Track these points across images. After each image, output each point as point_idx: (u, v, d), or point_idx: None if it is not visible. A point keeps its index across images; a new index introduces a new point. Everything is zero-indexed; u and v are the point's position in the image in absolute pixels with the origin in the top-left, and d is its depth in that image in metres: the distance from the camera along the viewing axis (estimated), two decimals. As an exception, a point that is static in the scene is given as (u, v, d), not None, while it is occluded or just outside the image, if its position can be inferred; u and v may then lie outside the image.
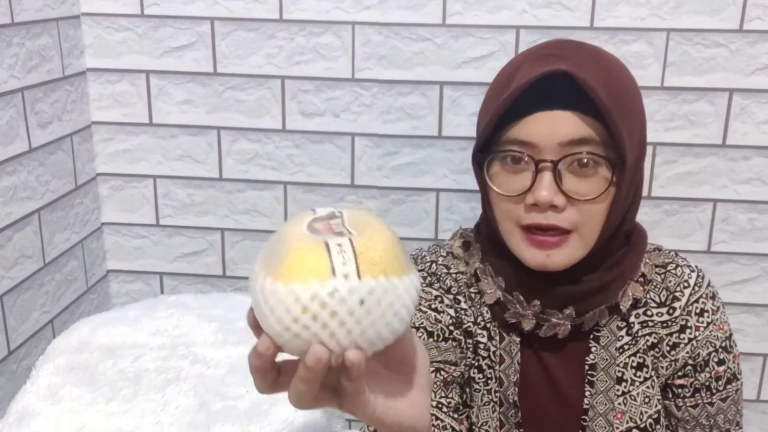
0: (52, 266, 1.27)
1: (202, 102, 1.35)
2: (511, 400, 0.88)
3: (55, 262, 1.28)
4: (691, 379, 0.89)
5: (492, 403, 0.89)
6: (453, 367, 0.88)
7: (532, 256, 0.82)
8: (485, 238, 0.90)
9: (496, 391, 0.89)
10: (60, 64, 1.26)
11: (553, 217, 0.79)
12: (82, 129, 1.35)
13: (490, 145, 0.83)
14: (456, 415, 0.87)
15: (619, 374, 0.88)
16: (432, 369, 0.86)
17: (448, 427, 0.85)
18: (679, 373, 0.89)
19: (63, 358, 1.04)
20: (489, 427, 0.89)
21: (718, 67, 1.25)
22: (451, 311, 0.90)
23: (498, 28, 1.26)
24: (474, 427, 0.90)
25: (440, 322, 0.89)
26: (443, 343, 0.88)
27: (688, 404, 0.90)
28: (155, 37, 1.32)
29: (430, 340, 0.88)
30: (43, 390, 0.97)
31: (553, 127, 0.78)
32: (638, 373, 0.88)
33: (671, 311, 0.88)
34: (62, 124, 1.28)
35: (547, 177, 0.78)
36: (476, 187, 0.91)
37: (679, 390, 0.90)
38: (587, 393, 0.88)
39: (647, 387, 0.88)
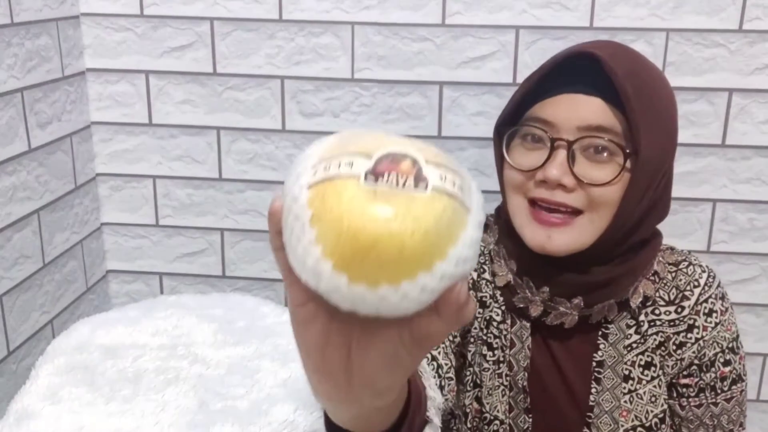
0: (52, 266, 1.27)
1: (202, 102, 1.35)
2: (520, 385, 0.89)
3: (54, 262, 1.28)
4: (696, 379, 0.89)
5: (502, 387, 0.90)
6: None
7: (533, 234, 0.82)
8: (503, 220, 0.90)
9: (506, 375, 0.89)
10: (59, 64, 1.26)
11: (560, 195, 0.80)
12: (82, 129, 1.35)
13: (514, 122, 0.85)
14: (448, 360, 0.87)
15: (627, 372, 0.88)
16: None
17: (438, 361, 0.84)
18: (684, 373, 0.89)
19: (63, 359, 1.03)
20: (498, 411, 0.90)
21: (718, 67, 1.25)
22: (474, 274, 0.91)
23: (498, 28, 1.26)
24: (483, 411, 0.91)
25: None
26: None
27: (692, 404, 0.90)
28: (155, 38, 1.32)
29: None
30: (42, 390, 0.97)
31: (573, 109, 0.80)
32: (645, 372, 0.88)
33: (680, 310, 0.88)
34: (62, 125, 1.28)
35: (560, 156, 0.79)
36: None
37: (684, 389, 0.90)
38: (593, 390, 0.88)
39: (654, 386, 0.88)
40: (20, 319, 1.19)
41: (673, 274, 0.90)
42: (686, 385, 0.90)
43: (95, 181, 1.41)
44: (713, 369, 0.89)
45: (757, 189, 1.30)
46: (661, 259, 0.90)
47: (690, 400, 0.90)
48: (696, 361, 0.89)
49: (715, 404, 0.90)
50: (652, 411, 0.88)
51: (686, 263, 0.91)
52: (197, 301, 1.23)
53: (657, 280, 0.89)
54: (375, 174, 0.38)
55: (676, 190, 1.31)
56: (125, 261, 1.46)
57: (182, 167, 1.39)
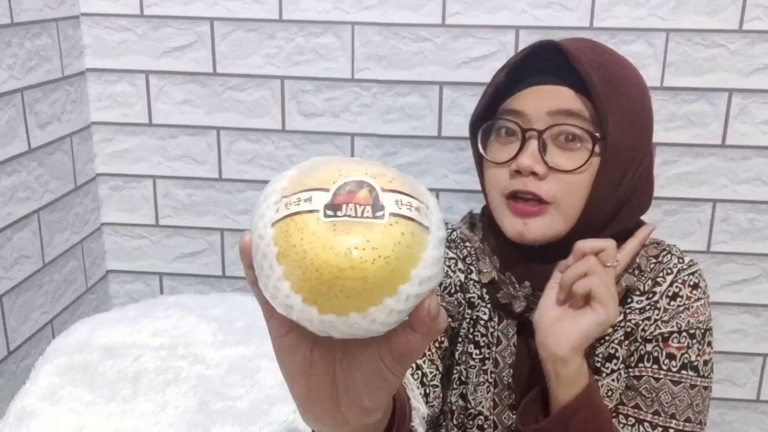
0: (52, 267, 1.27)
1: (202, 102, 1.35)
2: (505, 382, 0.89)
3: (54, 262, 1.28)
4: (639, 345, 0.87)
5: (487, 384, 0.90)
6: (450, 319, 0.90)
7: (510, 224, 0.84)
8: (487, 218, 0.92)
9: (492, 372, 0.90)
10: (59, 64, 1.26)
11: (532, 184, 0.82)
12: (82, 129, 1.35)
13: (489, 117, 0.87)
14: (434, 367, 0.87)
15: (597, 365, 0.88)
16: None
17: (422, 366, 0.85)
18: (632, 348, 0.88)
19: (62, 359, 1.04)
20: (483, 407, 0.90)
21: (718, 68, 1.25)
22: (461, 276, 0.92)
23: (497, 29, 1.26)
24: (468, 408, 0.91)
25: (450, 278, 0.92)
26: (448, 296, 0.91)
27: (632, 374, 0.87)
28: (155, 38, 1.32)
29: (437, 287, 0.90)
30: (42, 390, 0.97)
31: (543, 98, 0.82)
32: (607, 365, 0.88)
33: (651, 296, 0.88)
34: (62, 125, 1.28)
35: (531, 145, 0.82)
36: (476, 187, 0.92)
37: (628, 360, 0.88)
38: None
39: (612, 380, 0.87)
40: (20, 319, 1.19)
41: (652, 266, 0.90)
42: (630, 355, 0.88)
43: (95, 181, 1.41)
44: (659, 342, 0.86)
45: (757, 189, 1.30)
46: (644, 253, 0.90)
47: (630, 370, 0.87)
48: (646, 335, 0.87)
49: (656, 379, 0.85)
50: (606, 405, 0.87)
51: (665, 252, 0.90)
52: (197, 301, 1.23)
53: (637, 273, 0.89)
54: (334, 206, 0.40)
55: (676, 190, 1.32)
56: (125, 261, 1.46)
57: (182, 167, 1.39)
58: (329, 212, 0.39)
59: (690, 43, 1.24)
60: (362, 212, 0.39)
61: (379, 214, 0.40)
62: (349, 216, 0.39)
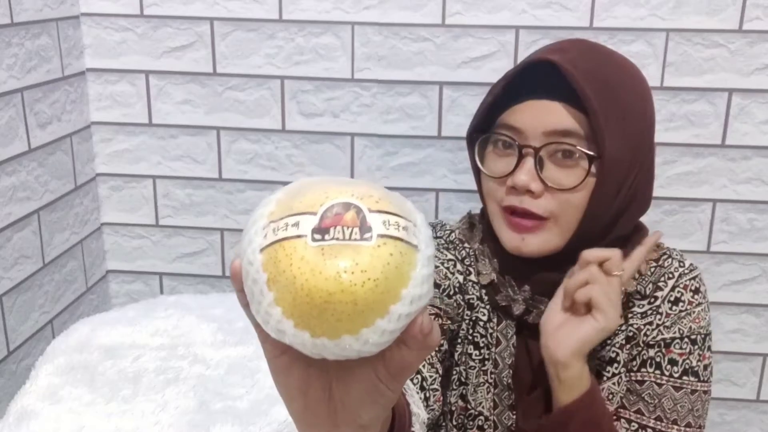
0: (52, 267, 1.27)
1: (202, 102, 1.35)
2: (505, 383, 0.89)
3: (54, 262, 1.28)
4: (641, 349, 0.87)
5: (487, 384, 0.90)
6: (449, 321, 0.90)
7: (508, 238, 0.85)
8: (486, 220, 0.92)
9: (491, 373, 0.90)
10: (59, 64, 1.26)
11: (528, 202, 0.82)
12: (82, 129, 1.35)
13: (487, 128, 0.87)
14: (433, 371, 0.87)
15: (599, 368, 0.88)
16: (431, 312, 0.88)
17: (421, 371, 0.85)
18: (634, 352, 0.88)
19: (62, 359, 1.04)
20: (483, 408, 0.90)
21: (718, 68, 1.25)
22: (460, 278, 0.92)
23: (497, 29, 1.26)
24: (468, 408, 0.91)
25: (449, 280, 0.92)
26: (447, 298, 0.91)
27: (634, 378, 0.87)
28: (155, 38, 1.32)
29: (436, 290, 0.90)
30: (42, 390, 0.97)
31: (539, 116, 0.82)
32: (608, 368, 0.88)
33: (653, 300, 0.88)
34: (62, 125, 1.28)
35: (528, 163, 0.82)
36: (476, 187, 0.92)
37: (630, 364, 0.88)
38: None
39: (613, 383, 0.87)
40: (20, 319, 1.19)
41: (653, 269, 0.89)
42: (632, 359, 0.88)
43: (95, 181, 1.41)
44: (662, 347, 0.86)
45: (757, 189, 1.30)
46: None
47: (632, 374, 0.87)
48: (648, 340, 0.87)
49: (659, 385, 0.86)
50: (608, 410, 0.87)
51: (666, 256, 0.90)
52: (197, 301, 1.23)
53: (637, 276, 0.89)
54: (321, 230, 0.40)
55: (676, 190, 1.32)
56: (125, 261, 1.46)
57: (182, 167, 1.39)
58: (317, 236, 0.39)
59: (690, 43, 1.24)
60: (350, 235, 0.39)
61: (367, 235, 0.39)
62: (337, 239, 0.39)
